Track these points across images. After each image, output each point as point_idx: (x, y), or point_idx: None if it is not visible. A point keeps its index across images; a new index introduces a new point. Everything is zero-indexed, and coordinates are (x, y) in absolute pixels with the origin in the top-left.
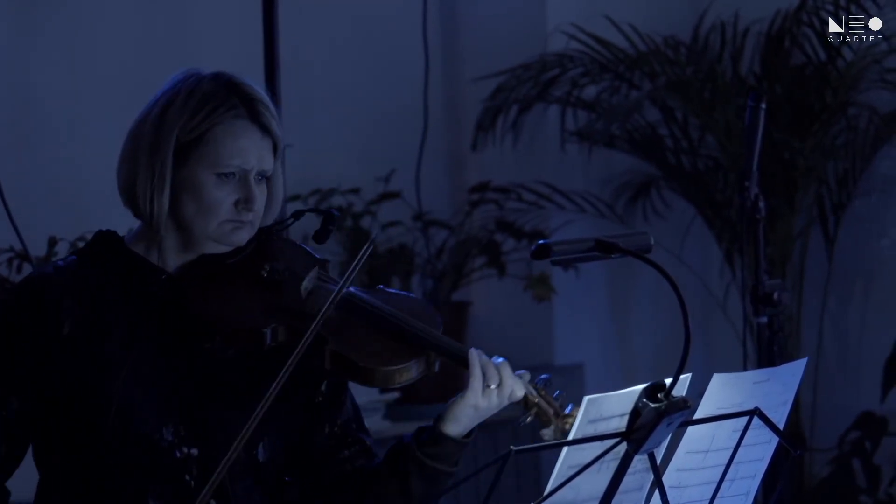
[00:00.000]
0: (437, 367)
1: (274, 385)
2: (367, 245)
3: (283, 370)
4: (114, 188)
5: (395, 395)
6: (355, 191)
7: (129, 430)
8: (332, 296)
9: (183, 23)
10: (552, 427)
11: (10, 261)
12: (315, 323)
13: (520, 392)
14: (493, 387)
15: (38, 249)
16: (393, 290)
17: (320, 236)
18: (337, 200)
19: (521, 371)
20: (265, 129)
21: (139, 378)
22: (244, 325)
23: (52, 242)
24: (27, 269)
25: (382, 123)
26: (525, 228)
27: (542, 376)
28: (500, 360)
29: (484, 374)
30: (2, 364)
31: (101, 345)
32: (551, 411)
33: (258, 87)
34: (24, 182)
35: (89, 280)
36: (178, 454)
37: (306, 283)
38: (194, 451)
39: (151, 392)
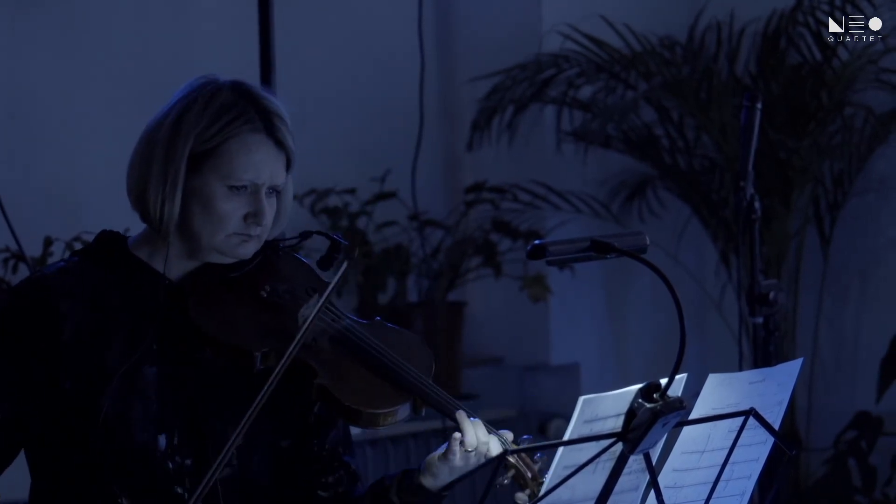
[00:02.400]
0: (423, 413)
1: (255, 404)
2: (340, 269)
3: (261, 394)
4: (109, 189)
5: None
6: (351, 191)
7: (123, 438)
8: (305, 324)
9: (179, 24)
10: (527, 491)
11: (5, 261)
12: (291, 349)
13: (494, 451)
14: (470, 451)
15: (33, 250)
16: (391, 325)
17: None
18: (332, 200)
19: (505, 431)
20: (280, 144)
21: (135, 386)
22: (237, 344)
23: (48, 243)
24: (23, 269)
25: (378, 123)
26: (521, 228)
27: (525, 437)
28: (475, 419)
29: (466, 440)
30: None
31: (100, 352)
32: (529, 474)
33: (276, 101)
34: (19, 183)
35: (91, 284)
36: (172, 464)
37: (303, 311)
38: (188, 462)
39: (147, 400)
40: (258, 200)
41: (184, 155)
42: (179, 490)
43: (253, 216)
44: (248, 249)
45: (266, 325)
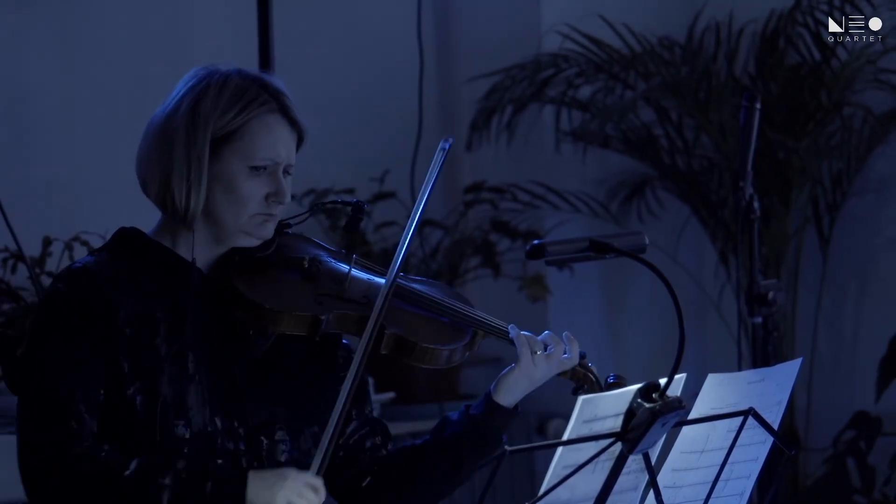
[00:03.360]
0: (476, 347)
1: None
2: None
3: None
4: (108, 189)
5: (391, 395)
6: (350, 191)
7: (183, 423)
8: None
9: (177, 23)
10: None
11: (4, 261)
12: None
13: (575, 358)
14: (539, 353)
15: (32, 250)
16: (417, 277)
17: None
18: (333, 199)
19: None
20: (293, 123)
21: (187, 372)
22: (303, 312)
23: (47, 243)
24: (22, 269)
25: (377, 123)
26: (520, 228)
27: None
28: (546, 333)
29: (529, 343)
30: (79, 349)
31: (151, 339)
32: (594, 381)
33: (280, 81)
34: (18, 182)
35: (125, 275)
36: (233, 446)
37: (349, 272)
38: (242, 446)
39: (201, 386)
40: (278, 180)
41: (206, 141)
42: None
43: (274, 195)
44: (270, 229)
45: (317, 291)
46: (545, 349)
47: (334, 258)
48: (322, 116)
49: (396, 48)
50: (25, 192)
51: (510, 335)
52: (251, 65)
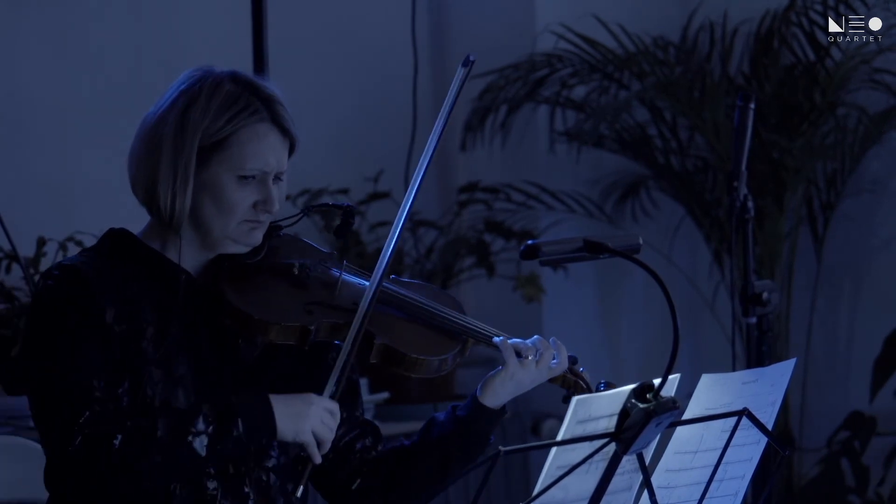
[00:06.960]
0: (467, 354)
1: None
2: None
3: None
4: (103, 189)
5: (385, 395)
6: (344, 191)
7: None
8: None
9: (172, 21)
10: None
11: None
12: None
13: (564, 364)
14: (530, 357)
15: (26, 250)
16: (406, 279)
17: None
18: (326, 200)
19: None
20: (284, 131)
21: (173, 376)
22: (292, 322)
23: (41, 243)
24: (16, 269)
25: (371, 123)
26: (514, 228)
27: (568, 354)
28: (535, 337)
29: (516, 350)
30: (80, 334)
31: (138, 340)
32: (585, 387)
33: (273, 85)
34: (13, 182)
35: (111, 276)
36: None
37: (340, 278)
38: None
39: (187, 391)
40: (267, 188)
41: (193, 150)
42: (211, 486)
43: (262, 203)
44: (258, 236)
45: (306, 299)
46: (535, 354)
47: (324, 262)
48: (317, 116)
49: (391, 48)
50: (20, 192)
51: (495, 341)
52: (245, 65)
